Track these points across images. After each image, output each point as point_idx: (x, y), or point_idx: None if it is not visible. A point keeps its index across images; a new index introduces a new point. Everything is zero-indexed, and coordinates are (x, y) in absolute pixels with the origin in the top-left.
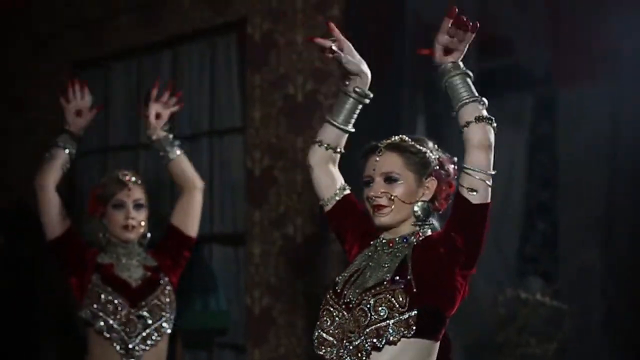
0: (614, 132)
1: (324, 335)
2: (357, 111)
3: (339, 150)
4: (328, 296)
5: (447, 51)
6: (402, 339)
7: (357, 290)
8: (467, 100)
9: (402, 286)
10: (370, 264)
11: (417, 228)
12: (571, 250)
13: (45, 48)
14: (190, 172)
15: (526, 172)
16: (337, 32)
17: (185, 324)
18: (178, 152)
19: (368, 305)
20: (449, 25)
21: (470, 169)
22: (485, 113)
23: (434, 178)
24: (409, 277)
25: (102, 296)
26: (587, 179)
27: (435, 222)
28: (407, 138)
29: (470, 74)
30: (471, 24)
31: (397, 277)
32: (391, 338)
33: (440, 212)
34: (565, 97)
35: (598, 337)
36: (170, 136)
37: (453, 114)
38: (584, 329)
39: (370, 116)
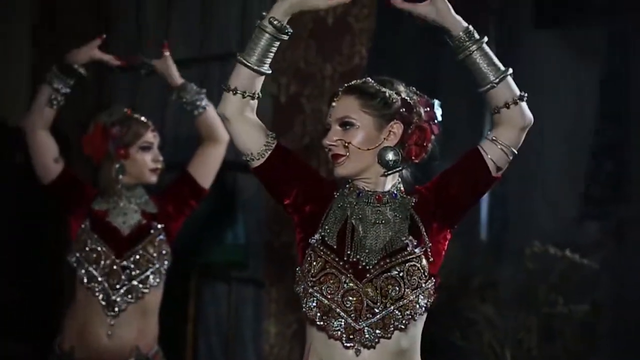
0: None
1: (327, 302)
2: (274, 49)
3: (256, 95)
4: (326, 255)
5: None
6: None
7: (367, 253)
8: (497, 80)
9: (423, 252)
10: (353, 217)
11: (394, 180)
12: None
13: None
14: (218, 124)
15: (596, 108)
16: None
17: (200, 256)
18: (205, 103)
19: (401, 274)
20: None
21: (506, 146)
22: (517, 88)
23: (398, 121)
24: (429, 245)
25: (88, 243)
26: None
27: (404, 172)
28: (370, 80)
29: (485, 38)
30: None
31: (416, 242)
32: (419, 310)
33: (416, 161)
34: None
35: None
36: (194, 86)
37: (479, 90)
38: (627, 290)
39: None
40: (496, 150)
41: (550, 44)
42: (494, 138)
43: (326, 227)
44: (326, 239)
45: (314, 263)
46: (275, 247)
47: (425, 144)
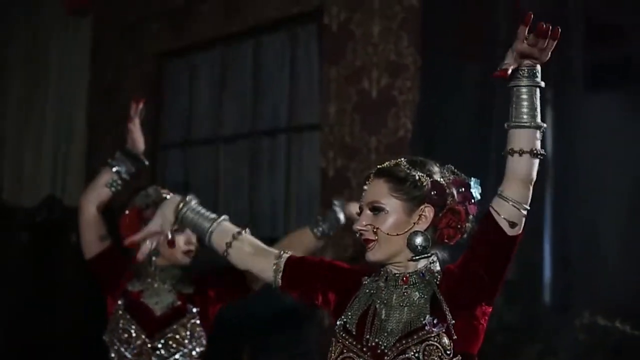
0: None
1: None
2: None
3: (244, 231)
4: (344, 340)
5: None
6: None
7: (386, 336)
8: (528, 124)
9: (444, 330)
10: (378, 302)
11: (424, 262)
12: None
13: (131, 39)
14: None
15: None
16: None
17: (253, 329)
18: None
19: (417, 355)
20: (526, 33)
21: (516, 201)
22: (539, 145)
23: (429, 205)
24: (451, 322)
25: (120, 323)
26: None
27: (440, 254)
28: (403, 161)
29: (542, 85)
30: (552, 29)
31: (435, 321)
32: None
33: (451, 243)
34: None
35: None
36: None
37: (506, 125)
38: None
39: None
40: (507, 206)
41: (607, 106)
42: (501, 192)
43: (349, 313)
44: (347, 324)
45: (333, 348)
46: (325, 325)
47: (460, 226)
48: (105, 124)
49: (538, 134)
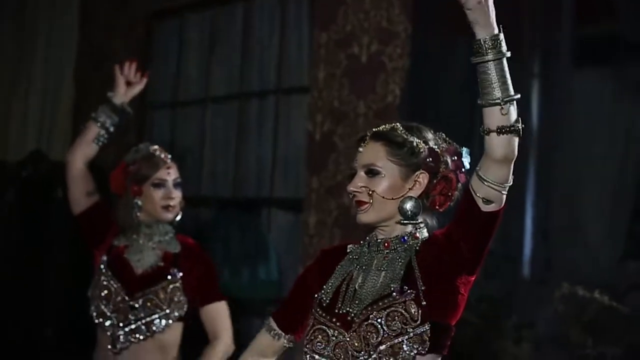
0: None
1: (319, 358)
2: None
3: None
4: (315, 313)
5: None
6: (417, 356)
7: (357, 303)
8: (494, 101)
9: (413, 297)
10: (358, 267)
11: (410, 228)
12: None
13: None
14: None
15: None
16: None
17: (234, 293)
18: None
19: (379, 320)
20: None
21: (489, 181)
22: (512, 119)
23: (424, 171)
24: (422, 288)
25: (102, 279)
26: None
27: (429, 220)
28: (399, 126)
29: (508, 54)
30: None
31: (406, 287)
32: (405, 356)
33: (440, 210)
34: None
35: None
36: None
37: (479, 102)
38: None
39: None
40: (483, 187)
41: (594, 82)
42: (478, 170)
43: (329, 284)
44: (322, 297)
45: (308, 322)
46: None
47: (450, 194)
48: (91, 81)
49: (508, 109)
